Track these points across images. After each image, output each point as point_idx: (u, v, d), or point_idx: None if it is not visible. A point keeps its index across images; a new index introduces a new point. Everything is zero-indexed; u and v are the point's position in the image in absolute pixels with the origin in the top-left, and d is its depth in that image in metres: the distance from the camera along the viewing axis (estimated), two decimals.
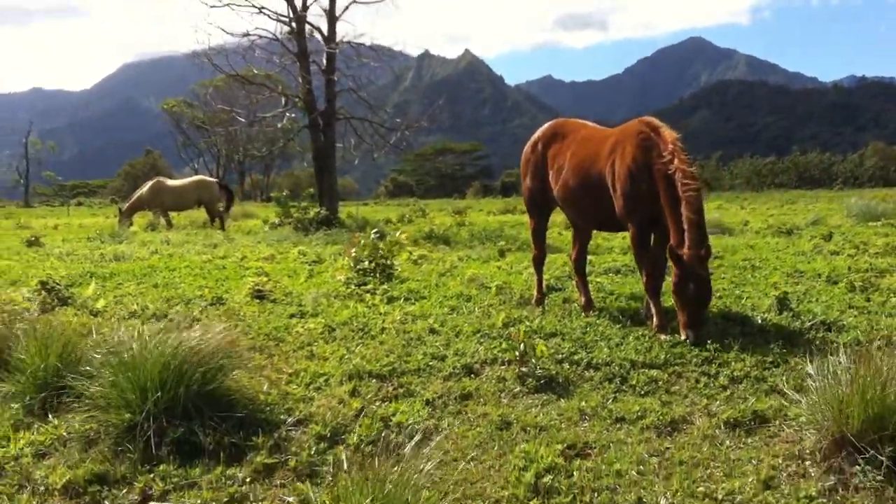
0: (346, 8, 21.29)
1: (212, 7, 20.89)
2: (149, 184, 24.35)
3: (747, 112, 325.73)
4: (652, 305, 7.25)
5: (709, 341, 6.50)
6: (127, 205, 24.42)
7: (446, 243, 15.63)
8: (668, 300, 7.32)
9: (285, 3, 20.92)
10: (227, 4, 20.85)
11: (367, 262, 10.08)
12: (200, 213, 25.81)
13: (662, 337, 6.83)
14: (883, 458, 4.13)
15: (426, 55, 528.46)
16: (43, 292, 9.10)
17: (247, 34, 20.81)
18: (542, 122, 9.07)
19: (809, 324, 7.12)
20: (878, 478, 4.12)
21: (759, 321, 7.28)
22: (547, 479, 4.49)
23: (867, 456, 4.17)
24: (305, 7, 21.25)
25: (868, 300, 8.16)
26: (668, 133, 7.08)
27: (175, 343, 5.46)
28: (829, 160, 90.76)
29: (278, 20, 20.99)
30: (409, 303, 8.78)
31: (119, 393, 5.27)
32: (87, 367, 5.58)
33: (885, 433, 4.20)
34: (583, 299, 8.32)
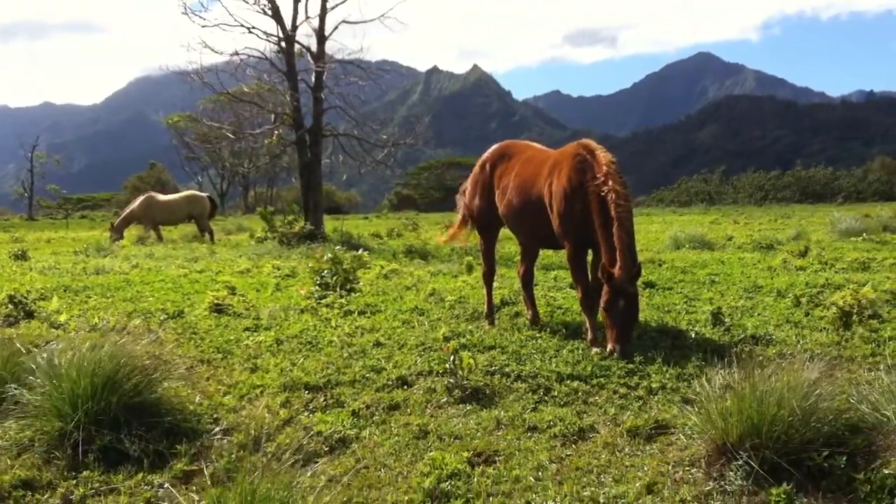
0: (336, 27, 21.64)
1: (202, 27, 21.30)
2: (140, 198, 24.67)
3: (755, 127, 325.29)
4: (587, 320, 7.46)
5: (636, 354, 6.71)
6: (118, 219, 24.73)
7: (423, 258, 15.87)
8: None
9: (274, 23, 21.29)
10: (218, 24, 21.24)
11: (329, 277, 10.30)
12: (192, 227, 26.06)
13: (594, 350, 7.03)
14: (754, 465, 4.33)
15: (434, 70, 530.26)
16: (9, 305, 9.35)
17: (236, 53, 21.17)
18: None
19: (739, 338, 7.33)
20: (747, 483, 4.33)
21: (693, 335, 7.48)
22: (446, 484, 4.69)
23: (740, 462, 4.37)
24: (295, 27, 21.61)
25: (807, 315, 8.35)
26: (604, 155, 7.29)
27: (108, 354, 5.69)
28: (833, 175, 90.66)
29: (267, 40, 21.37)
30: (364, 316, 9.00)
31: (52, 402, 5.50)
32: (28, 378, 5.82)
33: (758, 441, 4.39)
34: (529, 313, 8.54)
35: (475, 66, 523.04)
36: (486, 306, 8.92)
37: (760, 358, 6.14)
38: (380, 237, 23.74)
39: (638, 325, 7.66)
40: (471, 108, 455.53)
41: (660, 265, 13.84)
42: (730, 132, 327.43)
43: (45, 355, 5.89)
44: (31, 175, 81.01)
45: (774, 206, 68.17)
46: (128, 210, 24.66)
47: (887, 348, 6.81)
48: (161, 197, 25.19)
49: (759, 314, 8.50)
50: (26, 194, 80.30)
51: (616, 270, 6.83)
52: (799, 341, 7.17)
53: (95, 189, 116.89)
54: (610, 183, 7.05)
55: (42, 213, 75.77)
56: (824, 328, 7.67)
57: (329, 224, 24.56)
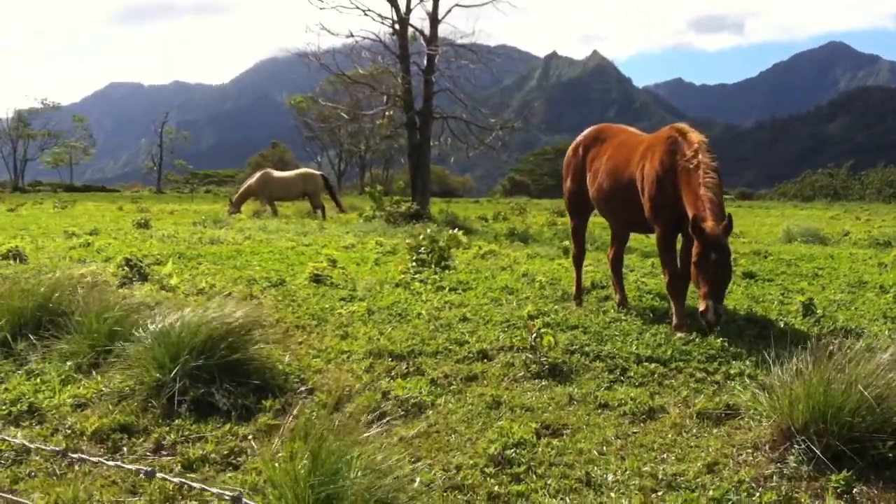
0: (449, 11, 21.96)
1: (321, 9, 21.90)
2: (257, 174, 25.59)
3: (890, 120, 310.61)
4: (673, 304, 7.45)
5: (719, 340, 6.69)
6: (237, 194, 25.72)
7: (523, 241, 15.97)
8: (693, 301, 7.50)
9: (389, 6, 21.69)
10: (335, 7, 21.78)
11: (425, 254, 10.57)
12: (307, 203, 26.84)
13: (678, 335, 7.03)
14: (816, 450, 4.32)
15: (553, 56, 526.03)
16: (126, 268, 9.98)
17: (351, 35, 21.71)
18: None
19: (829, 329, 7.20)
20: (808, 468, 4.33)
21: (782, 325, 7.39)
22: (511, 451, 4.84)
23: (803, 447, 4.37)
24: (409, 10, 21.98)
25: None
26: (695, 136, 7.25)
27: (208, 316, 6.08)
28: None
29: (382, 22, 21.81)
30: (455, 293, 9.21)
31: (153, 355, 5.92)
32: (135, 332, 6.27)
33: (822, 427, 4.38)
34: (618, 296, 8.58)
35: (595, 52, 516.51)
36: (574, 288, 8.99)
37: (834, 347, 6.07)
38: (485, 220, 23.94)
39: (727, 311, 7.61)
40: (589, 95, 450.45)
41: (765, 257, 13.57)
42: (861, 125, 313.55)
43: (153, 313, 6.33)
44: (161, 150, 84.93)
45: None
46: (245, 185, 25.62)
47: None
48: (277, 173, 26.05)
49: (855, 308, 8.31)
50: (155, 168, 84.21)
51: (707, 223, 6.72)
52: (892, 336, 6.99)
53: (221, 166, 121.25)
54: (700, 156, 6.99)
55: (170, 187, 79.20)
56: None
57: (438, 206, 24.91)
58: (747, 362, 6.25)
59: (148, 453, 5.18)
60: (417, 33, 22.12)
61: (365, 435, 4.55)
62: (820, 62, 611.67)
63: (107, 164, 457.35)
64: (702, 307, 6.75)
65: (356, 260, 12.23)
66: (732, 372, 6.08)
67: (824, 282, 10.46)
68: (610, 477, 4.56)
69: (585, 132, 8.97)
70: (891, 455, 4.32)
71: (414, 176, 22.15)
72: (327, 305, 8.48)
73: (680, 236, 7.62)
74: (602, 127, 8.98)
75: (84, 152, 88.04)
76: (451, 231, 11.90)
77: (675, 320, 7.34)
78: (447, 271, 10.56)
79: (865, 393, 4.38)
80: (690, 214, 6.84)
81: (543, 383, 6.12)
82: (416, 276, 10.10)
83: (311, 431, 4.32)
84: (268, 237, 16.03)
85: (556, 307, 8.33)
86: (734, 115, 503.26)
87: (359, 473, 4.18)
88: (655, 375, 6.15)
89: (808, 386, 4.53)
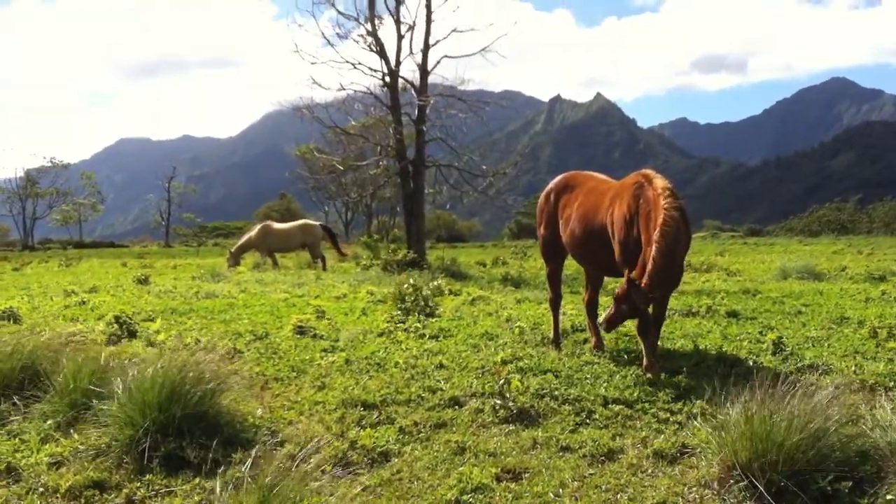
0: (438, 62, 22.33)
1: (312, 64, 22.36)
2: (257, 227, 25.86)
3: (894, 154, 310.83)
4: (643, 346, 7.57)
5: (685, 379, 6.81)
6: (236, 246, 25.97)
7: (516, 286, 16.10)
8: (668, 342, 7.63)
9: (379, 59, 22.11)
10: (327, 62, 22.26)
11: (409, 302, 10.72)
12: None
13: (648, 375, 7.15)
14: (760, 486, 4.43)
15: (557, 99, 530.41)
16: (115, 325, 10.16)
17: (342, 88, 22.10)
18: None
19: (796, 367, 7.30)
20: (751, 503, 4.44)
21: (749, 364, 7.50)
22: (469, 497, 4.96)
23: (746, 483, 4.48)
24: (398, 63, 22.41)
25: (878, 346, 8.21)
26: (660, 181, 7.43)
27: (177, 368, 6.23)
28: None
29: (373, 75, 22.22)
30: (436, 340, 9.33)
31: (126, 411, 6.06)
32: (108, 389, 6.42)
33: (765, 462, 4.49)
34: (594, 339, 8.71)
35: (598, 94, 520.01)
36: (552, 332, 9.12)
37: (789, 385, 6.18)
38: (483, 265, 24.11)
39: (698, 354, 7.75)
40: (594, 137, 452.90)
41: (754, 295, 13.68)
42: (867, 160, 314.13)
43: (121, 370, 6.48)
44: (169, 204, 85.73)
45: None
46: (245, 238, 25.88)
47: None
48: (276, 225, 26.31)
49: (828, 345, 8.41)
50: (164, 223, 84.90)
51: (643, 280, 6.96)
52: (856, 372, 7.09)
53: (230, 218, 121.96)
54: (661, 201, 7.16)
55: (178, 241, 79.70)
56: (891, 359, 7.55)
57: (437, 252, 25.08)
58: (709, 402, 6.35)
59: None
60: (408, 85, 22.56)
61: (316, 484, 4.67)
62: (823, 98, 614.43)
63: (117, 220, 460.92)
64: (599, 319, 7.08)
65: (345, 310, 12.38)
66: (695, 411, 6.20)
67: (806, 318, 10.57)
68: None
69: (556, 179, 9.19)
70: (829, 489, 4.42)
71: (409, 224, 22.39)
72: (307, 357, 8.62)
73: None
74: (572, 174, 9.18)
75: (92, 209, 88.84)
76: (436, 280, 12.03)
77: (645, 361, 7.45)
78: (431, 319, 10.70)
79: (804, 431, 4.48)
80: (639, 262, 7.09)
81: (510, 428, 6.24)
82: (399, 324, 10.24)
83: (263, 483, 4.46)
84: (263, 290, 16.20)
85: (532, 352, 8.45)
86: (740, 153, 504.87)
87: None
88: (620, 417, 6.27)
89: (752, 423, 4.65)
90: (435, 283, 11.98)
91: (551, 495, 4.99)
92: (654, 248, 6.96)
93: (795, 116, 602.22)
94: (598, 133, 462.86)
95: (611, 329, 7.69)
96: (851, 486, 4.42)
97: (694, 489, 4.85)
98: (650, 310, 7.57)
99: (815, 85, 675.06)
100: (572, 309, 11.59)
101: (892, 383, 6.64)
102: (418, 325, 10.15)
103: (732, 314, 10.87)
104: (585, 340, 9.17)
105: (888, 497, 4.24)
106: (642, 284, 6.94)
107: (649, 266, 6.96)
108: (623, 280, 7.20)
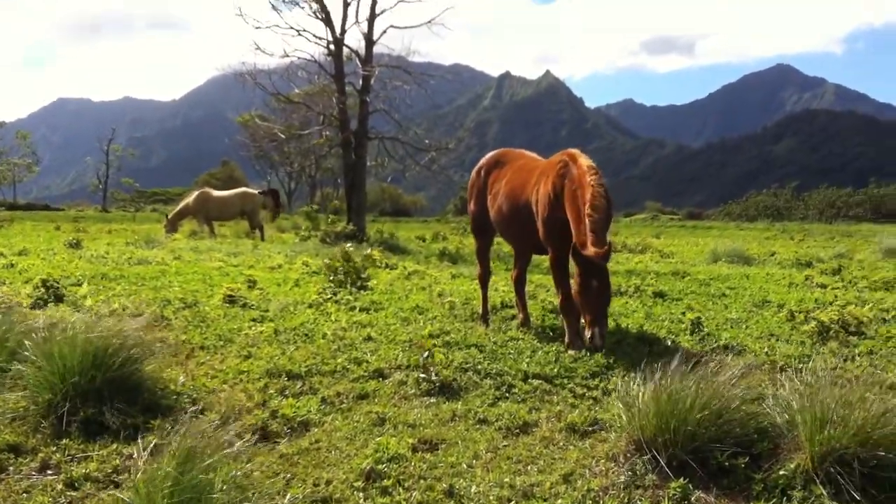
0: (384, 32, 22.26)
1: (256, 28, 22.13)
2: (195, 194, 25.57)
3: (834, 142, 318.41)
4: (565, 323, 7.74)
5: (603, 357, 6.98)
6: (173, 213, 25.66)
7: (453, 261, 16.23)
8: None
9: (325, 27, 21.95)
10: (270, 27, 22.01)
11: (341, 274, 10.75)
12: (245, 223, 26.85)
13: (570, 352, 7.31)
14: (662, 460, 4.61)
15: (507, 75, 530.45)
16: (42, 289, 10.01)
17: (286, 55, 21.91)
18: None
19: (711, 347, 7.54)
20: (653, 477, 4.61)
21: (668, 343, 7.71)
22: (383, 466, 5.05)
23: (649, 457, 4.66)
24: (344, 31, 22.29)
25: (793, 329, 8.50)
26: (584, 160, 7.55)
27: (98, 334, 6.20)
28: None
29: (317, 43, 22.05)
30: (366, 313, 9.40)
31: (44, 375, 6.02)
32: (27, 353, 6.36)
33: (668, 438, 4.67)
34: (521, 316, 8.86)
35: (548, 72, 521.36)
36: (481, 307, 9.25)
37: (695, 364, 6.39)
38: (423, 240, 24.20)
39: (620, 332, 7.94)
40: (542, 115, 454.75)
41: (682, 277, 13.99)
42: (807, 147, 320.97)
43: (43, 333, 6.43)
44: (107, 168, 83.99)
45: (842, 224, 66.75)
46: (182, 204, 25.59)
47: (853, 363, 6.97)
48: (215, 193, 26.03)
49: (746, 326, 8.68)
50: (101, 186, 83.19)
51: (588, 249, 6.97)
52: (768, 352, 7.34)
53: (171, 183, 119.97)
54: (586, 178, 7.26)
55: (116, 206, 78.17)
56: (803, 342, 7.83)
57: (377, 226, 25.09)
58: (625, 379, 6.52)
59: (33, 472, 5.28)
60: (353, 54, 22.44)
61: (229, 450, 4.71)
62: (768, 84, 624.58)
63: (53, 182, 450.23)
64: (588, 334, 7.09)
65: (278, 280, 12.37)
66: (610, 388, 6.37)
67: (729, 301, 10.87)
68: (473, 488, 4.79)
69: (487, 156, 9.28)
70: (727, 464, 4.61)
71: (349, 195, 22.36)
72: (236, 326, 8.62)
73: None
74: (503, 151, 9.29)
75: (28, 170, 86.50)
76: (367, 252, 12.07)
77: (567, 338, 7.62)
78: (363, 292, 10.76)
79: (705, 408, 4.67)
80: (575, 238, 7.14)
81: (432, 400, 6.34)
82: (331, 297, 10.28)
83: (180, 447, 4.49)
84: (197, 258, 16.07)
85: (460, 326, 8.57)
86: (684, 136, 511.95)
87: (224, 488, 4.36)
88: (538, 392, 6.41)
89: (658, 400, 4.82)
90: (366, 252, 11.98)
91: (464, 465, 5.11)
92: (589, 209, 7.02)
93: (740, 101, 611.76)
94: (547, 111, 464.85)
95: (600, 316, 7.28)
96: (748, 462, 4.62)
97: (601, 462, 5.01)
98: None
99: (761, 70, 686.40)
100: (504, 286, 11.74)
101: (801, 364, 6.87)
102: (349, 297, 10.20)
103: (659, 294, 11.13)
104: (513, 317, 9.32)
105: (781, 472, 4.44)
106: (588, 243, 6.96)
107: (591, 226, 6.99)
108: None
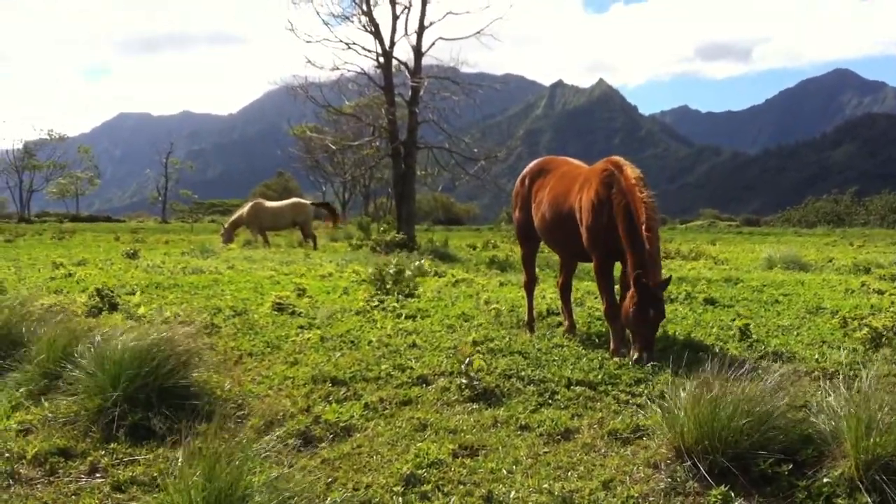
0: (433, 44, 22.42)
1: (307, 42, 22.42)
2: (248, 205, 25.96)
3: (895, 147, 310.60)
4: (610, 330, 7.69)
5: (650, 364, 6.91)
6: (228, 223, 26.07)
7: (502, 269, 16.21)
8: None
9: (374, 40, 22.18)
10: (321, 41, 22.31)
11: (388, 283, 10.82)
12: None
13: (614, 359, 7.26)
14: (702, 468, 4.55)
15: (559, 84, 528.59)
16: (97, 298, 10.25)
17: (336, 68, 22.18)
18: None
19: (759, 354, 7.42)
20: (694, 484, 4.56)
21: (716, 350, 7.60)
22: (423, 471, 5.08)
23: (690, 464, 4.60)
24: (393, 43, 22.47)
25: (846, 336, 8.32)
26: (631, 170, 7.51)
27: (149, 342, 6.34)
28: None
29: (366, 56, 22.29)
30: (412, 320, 9.43)
31: (97, 381, 6.18)
32: (80, 360, 6.52)
33: (709, 445, 4.61)
34: (566, 323, 8.82)
35: (601, 80, 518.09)
36: (527, 314, 9.23)
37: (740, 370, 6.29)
38: (474, 248, 24.21)
39: (667, 339, 7.86)
40: (595, 123, 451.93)
41: (735, 284, 13.77)
42: (867, 152, 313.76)
43: (96, 340, 6.59)
44: (166, 180, 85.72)
45: None
46: (237, 214, 25.99)
47: None
48: (268, 204, 26.40)
49: (797, 333, 8.52)
50: (160, 198, 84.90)
51: (650, 281, 7.00)
52: (818, 359, 7.20)
53: (228, 195, 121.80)
54: (636, 193, 7.24)
55: (175, 217, 79.69)
56: (855, 348, 7.66)
57: (428, 235, 25.18)
58: (668, 386, 6.45)
59: (82, 475, 5.42)
60: (402, 66, 22.63)
61: (274, 454, 4.78)
62: (826, 89, 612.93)
63: (115, 195, 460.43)
64: (636, 356, 7.04)
65: (327, 289, 12.48)
66: (655, 394, 6.30)
67: (782, 307, 10.67)
68: (512, 494, 4.79)
69: (531, 164, 9.29)
70: (770, 471, 4.54)
71: (399, 205, 22.53)
72: (283, 333, 8.72)
73: (619, 264, 7.87)
74: (548, 159, 9.28)
75: (90, 183, 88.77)
76: (420, 260, 12.13)
77: (612, 345, 7.56)
78: (410, 299, 10.81)
79: (748, 416, 4.60)
80: (630, 261, 7.14)
81: (474, 406, 6.35)
82: (378, 304, 10.34)
83: (213, 451, 4.58)
84: (250, 266, 16.30)
85: (505, 333, 8.55)
86: (741, 142, 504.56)
87: (262, 492, 4.43)
88: (581, 398, 6.37)
89: (699, 407, 4.76)
90: (417, 263, 12.04)
91: (504, 471, 5.10)
92: (647, 245, 7.08)
93: (798, 106, 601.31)
94: (600, 119, 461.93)
95: (650, 341, 7.28)
96: (791, 469, 4.54)
97: (642, 469, 4.97)
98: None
99: (819, 76, 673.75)
100: (552, 293, 11.68)
101: (852, 372, 6.72)
102: (396, 304, 10.25)
103: (710, 301, 10.97)
104: (559, 324, 9.28)
105: (825, 480, 4.36)
106: (649, 279, 7.01)
107: (649, 260, 7.08)
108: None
